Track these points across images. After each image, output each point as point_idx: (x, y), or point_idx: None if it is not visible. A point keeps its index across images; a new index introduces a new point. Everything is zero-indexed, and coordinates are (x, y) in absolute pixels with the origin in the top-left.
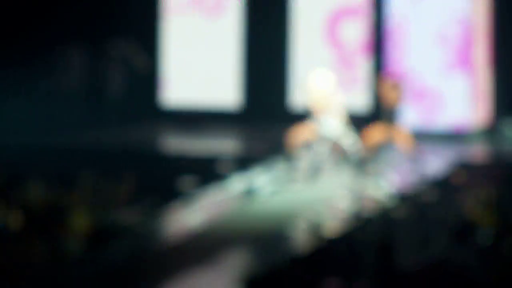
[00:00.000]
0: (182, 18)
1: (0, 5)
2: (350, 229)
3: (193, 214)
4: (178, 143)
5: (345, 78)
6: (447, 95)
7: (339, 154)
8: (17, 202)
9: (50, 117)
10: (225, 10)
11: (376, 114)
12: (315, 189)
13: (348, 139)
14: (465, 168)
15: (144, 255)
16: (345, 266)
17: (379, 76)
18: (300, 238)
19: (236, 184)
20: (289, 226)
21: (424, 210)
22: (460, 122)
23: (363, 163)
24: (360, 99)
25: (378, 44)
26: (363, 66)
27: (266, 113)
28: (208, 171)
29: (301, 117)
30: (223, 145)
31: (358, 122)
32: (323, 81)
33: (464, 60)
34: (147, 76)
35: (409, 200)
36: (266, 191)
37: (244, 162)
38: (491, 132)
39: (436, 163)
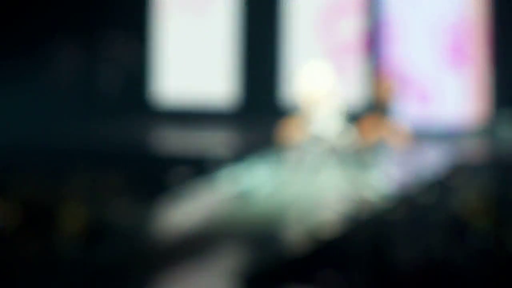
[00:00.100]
0: (175, 13)
1: None
2: (344, 228)
3: (186, 211)
4: (170, 139)
5: (339, 72)
6: (443, 91)
7: (333, 152)
8: (8, 199)
9: (41, 113)
10: (218, 4)
11: (370, 109)
12: (308, 187)
13: (343, 137)
14: (461, 166)
15: (137, 252)
16: (340, 265)
17: (373, 72)
18: (294, 237)
19: (229, 181)
20: (282, 225)
21: (418, 209)
22: (456, 119)
23: (358, 160)
24: (353, 95)
25: (373, 39)
26: (357, 62)
27: (259, 108)
28: (200, 168)
29: (295, 112)
30: (216, 141)
31: (352, 117)
32: (317, 75)
33: (460, 56)
34: (138, 71)
35: (404, 198)
36: (259, 188)
37: (237, 159)
38: (487, 128)
39: (432, 160)
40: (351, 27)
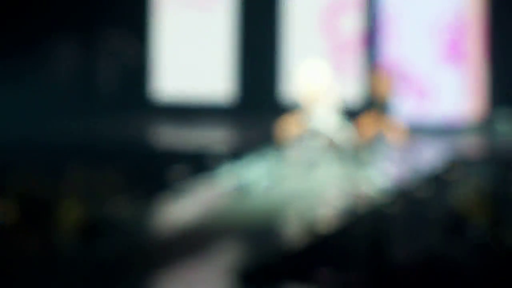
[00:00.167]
0: (174, 9)
1: None
2: (342, 223)
3: (184, 207)
4: (169, 135)
5: (337, 69)
6: (440, 88)
7: (331, 148)
8: (6, 195)
9: (40, 109)
10: (217, 2)
11: (368, 106)
12: (307, 183)
13: (341, 134)
14: (458, 162)
15: (135, 248)
16: (337, 260)
17: (372, 68)
18: (292, 232)
19: (227, 177)
20: (281, 220)
21: (416, 204)
22: (453, 115)
23: (355, 156)
24: (352, 91)
25: (371, 36)
26: (355, 58)
27: (258, 105)
28: (199, 164)
29: (293, 108)
30: (214, 137)
31: (350, 114)
32: (315, 72)
33: (457, 52)
34: (138, 68)
35: (401, 194)
36: (258, 184)
37: (236, 155)
38: (484, 125)
39: (429, 156)
40: (349, 24)
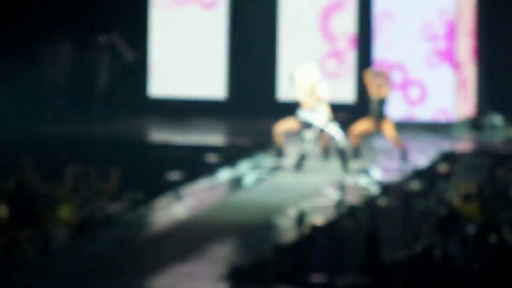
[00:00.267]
0: (170, 11)
1: None
2: (336, 218)
3: (180, 204)
4: (165, 134)
5: (331, 70)
6: (432, 86)
7: (326, 142)
8: (5, 192)
9: (38, 108)
10: (214, 3)
11: (362, 105)
12: (301, 178)
13: (336, 129)
14: (450, 159)
15: (131, 245)
16: (330, 255)
17: (366, 68)
18: (286, 227)
19: (223, 174)
20: (276, 215)
21: (409, 200)
22: (444, 114)
23: (349, 152)
24: (347, 91)
25: (364, 37)
26: (350, 58)
27: (253, 104)
28: (195, 162)
29: (288, 108)
30: (210, 136)
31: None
32: (309, 74)
33: (449, 52)
34: (135, 68)
35: (395, 190)
36: (253, 181)
37: (231, 153)
38: (475, 123)
39: (422, 153)
40: (344, 24)
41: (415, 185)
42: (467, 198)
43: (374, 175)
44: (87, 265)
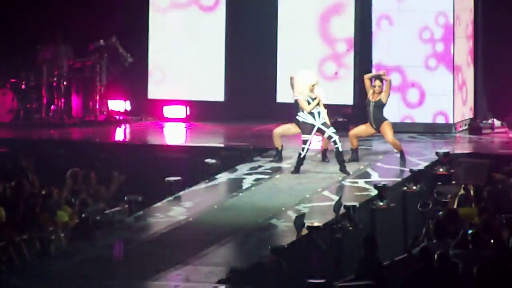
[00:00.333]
0: (170, 14)
1: None
2: (334, 220)
3: (179, 207)
4: (165, 137)
5: (330, 73)
6: (431, 89)
7: (325, 144)
8: (4, 195)
9: (38, 112)
10: (213, 6)
11: (361, 107)
12: (300, 180)
13: (333, 130)
14: (448, 161)
15: (130, 247)
16: (329, 257)
17: (365, 71)
18: (285, 229)
19: (222, 176)
20: (274, 217)
21: (408, 202)
22: (443, 116)
23: (348, 154)
24: (345, 93)
25: (363, 39)
26: (349, 61)
27: (252, 106)
28: (193, 164)
29: (287, 111)
30: (209, 138)
31: (345, 114)
32: (308, 78)
33: (447, 55)
34: (134, 71)
35: (393, 192)
36: (252, 183)
37: (230, 155)
38: (473, 125)
39: (420, 156)
40: (342, 27)
41: (414, 187)
42: (465, 200)
43: (372, 177)
44: (86, 268)
